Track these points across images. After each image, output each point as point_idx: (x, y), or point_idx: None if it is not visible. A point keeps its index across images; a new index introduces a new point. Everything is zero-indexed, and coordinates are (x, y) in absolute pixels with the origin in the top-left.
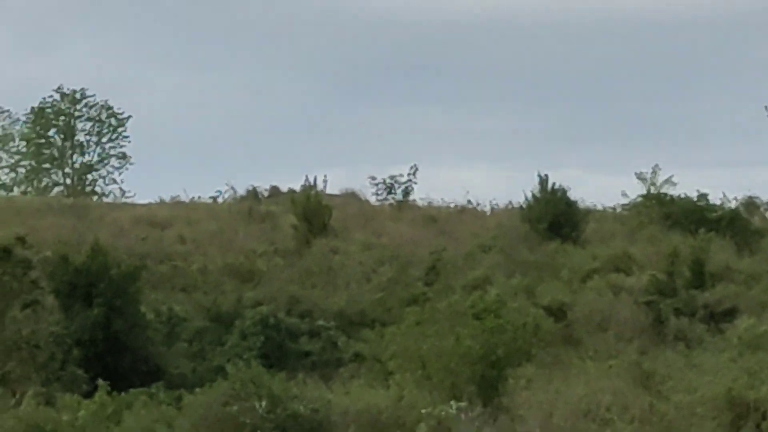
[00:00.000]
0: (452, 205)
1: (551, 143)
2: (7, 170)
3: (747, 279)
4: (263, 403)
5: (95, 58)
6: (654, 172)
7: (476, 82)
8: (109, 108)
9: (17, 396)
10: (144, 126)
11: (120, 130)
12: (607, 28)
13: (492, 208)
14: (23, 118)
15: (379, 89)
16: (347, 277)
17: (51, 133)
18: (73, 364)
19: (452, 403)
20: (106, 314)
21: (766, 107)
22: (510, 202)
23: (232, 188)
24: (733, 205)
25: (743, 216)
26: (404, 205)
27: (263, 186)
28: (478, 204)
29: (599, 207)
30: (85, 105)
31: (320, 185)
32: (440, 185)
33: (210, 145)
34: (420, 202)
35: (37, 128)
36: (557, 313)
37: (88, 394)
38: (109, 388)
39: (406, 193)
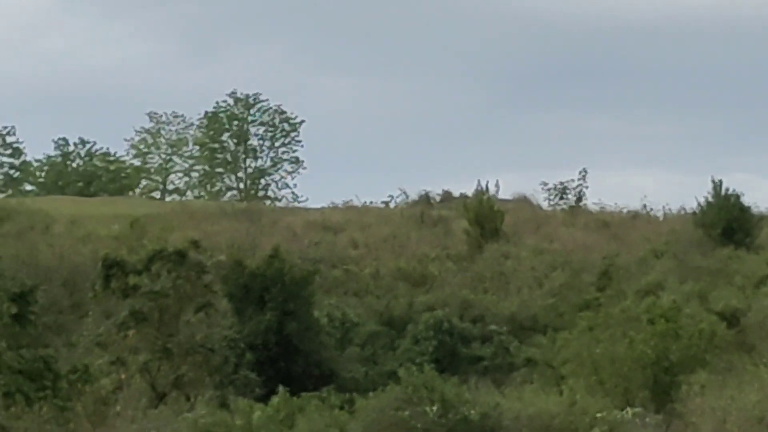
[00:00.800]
0: (625, 211)
1: (724, 148)
2: (180, 174)
3: None
4: (435, 408)
5: (268, 64)
6: None
7: (648, 86)
8: (282, 113)
9: (191, 399)
10: (317, 131)
11: (293, 134)
12: None
13: (665, 214)
14: (197, 123)
15: (550, 94)
16: (519, 282)
17: (224, 137)
18: (246, 368)
19: (628, 408)
20: (279, 318)
21: None
22: (683, 208)
23: (405, 193)
24: None
25: None
26: (576, 210)
27: (435, 191)
28: (650, 209)
29: None
30: (259, 110)
31: (492, 190)
32: (612, 190)
33: (382, 150)
34: (592, 207)
35: (211, 133)
36: (730, 319)
37: (261, 398)
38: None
39: (579, 198)
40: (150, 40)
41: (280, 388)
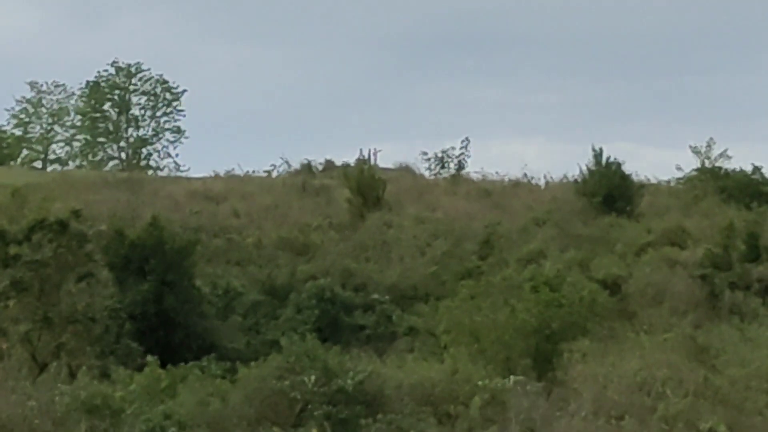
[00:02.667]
0: (507, 179)
1: (605, 117)
2: (62, 144)
3: None
4: (312, 378)
5: (150, 32)
6: (709, 146)
7: (530, 55)
8: (164, 82)
9: (72, 369)
10: (199, 100)
11: (175, 104)
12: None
13: (546, 182)
14: (78, 93)
15: (432, 63)
16: (401, 250)
17: (106, 107)
18: (128, 338)
19: (511, 377)
20: (158, 289)
21: None
22: (565, 176)
23: (287, 162)
24: None
25: None
26: (458, 178)
27: (317, 160)
28: (532, 177)
29: (653, 181)
30: (140, 79)
31: (372, 159)
32: (494, 159)
33: (264, 119)
34: (474, 176)
35: (92, 102)
36: (612, 286)
37: (143, 368)
38: (161, 362)
39: (460, 166)
40: (31, 9)
41: (149, 359)
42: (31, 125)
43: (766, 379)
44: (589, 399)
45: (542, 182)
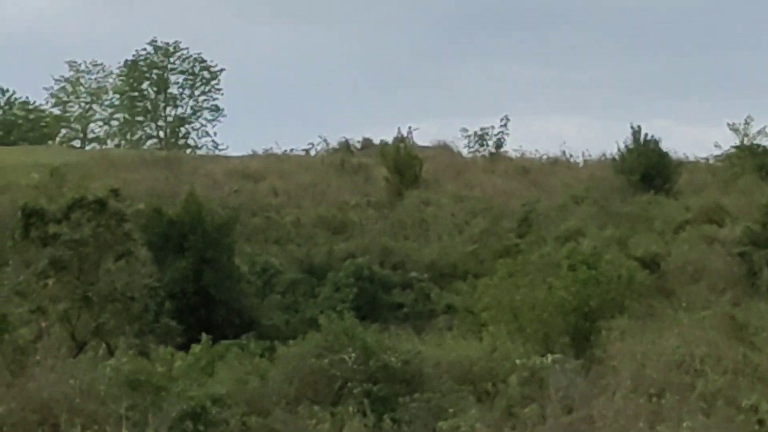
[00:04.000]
0: (545, 157)
1: (643, 94)
2: (100, 123)
3: None
4: (352, 356)
5: (188, 11)
6: (747, 123)
7: (569, 34)
8: (203, 61)
9: (111, 348)
10: (237, 79)
11: (213, 82)
12: None
13: (585, 160)
14: (117, 71)
15: (470, 41)
16: (439, 228)
17: (144, 86)
18: (167, 316)
19: (548, 355)
20: (197, 266)
21: None
22: (603, 154)
23: (325, 140)
24: None
25: None
26: (496, 156)
27: (356, 138)
28: (570, 155)
29: (691, 158)
30: (179, 58)
31: (409, 137)
32: (532, 137)
33: (303, 98)
34: (512, 154)
35: (131, 81)
36: (650, 264)
37: (182, 346)
38: (199, 340)
39: (498, 144)
40: None
41: (203, 336)
42: (69, 104)
43: None
44: (627, 377)
45: (580, 160)
